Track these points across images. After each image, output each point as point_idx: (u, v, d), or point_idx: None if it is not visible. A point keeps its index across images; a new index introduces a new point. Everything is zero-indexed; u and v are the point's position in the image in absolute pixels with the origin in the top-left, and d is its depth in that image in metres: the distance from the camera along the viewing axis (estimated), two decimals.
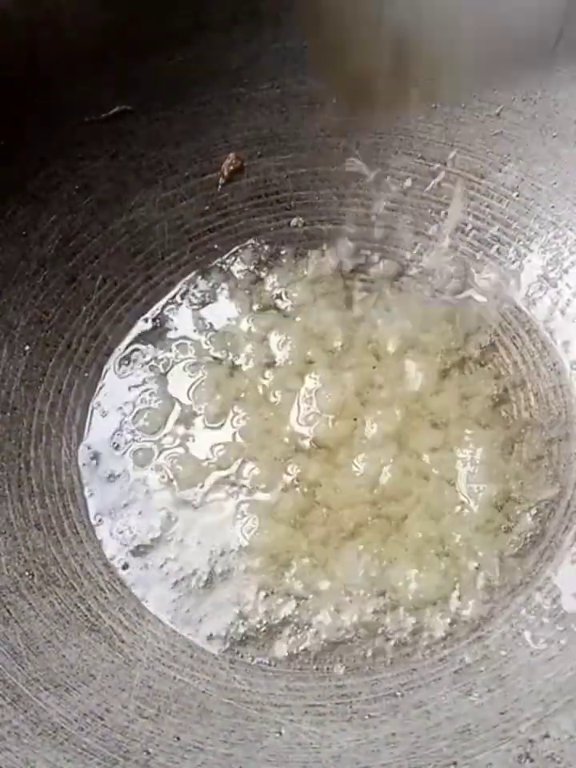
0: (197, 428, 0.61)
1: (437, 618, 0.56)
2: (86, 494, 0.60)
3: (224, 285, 0.66)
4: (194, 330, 0.65)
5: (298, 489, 0.59)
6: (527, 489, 0.59)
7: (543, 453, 0.60)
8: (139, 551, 0.58)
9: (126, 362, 0.64)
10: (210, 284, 0.66)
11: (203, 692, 0.54)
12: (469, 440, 0.60)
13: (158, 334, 0.65)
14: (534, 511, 0.59)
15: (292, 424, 0.61)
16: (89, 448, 0.61)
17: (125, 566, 0.58)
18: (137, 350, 0.64)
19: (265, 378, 0.63)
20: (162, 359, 0.64)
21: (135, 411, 0.62)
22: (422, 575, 0.56)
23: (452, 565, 0.57)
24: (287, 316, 0.65)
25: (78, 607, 0.56)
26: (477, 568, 0.57)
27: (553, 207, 0.64)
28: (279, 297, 0.66)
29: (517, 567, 0.57)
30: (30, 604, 0.55)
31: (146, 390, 0.63)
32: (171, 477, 0.60)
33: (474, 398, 0.62)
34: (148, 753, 0.49)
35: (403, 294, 0.66)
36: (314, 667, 0.55)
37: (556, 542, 0.58)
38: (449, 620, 0.56)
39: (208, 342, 0.64)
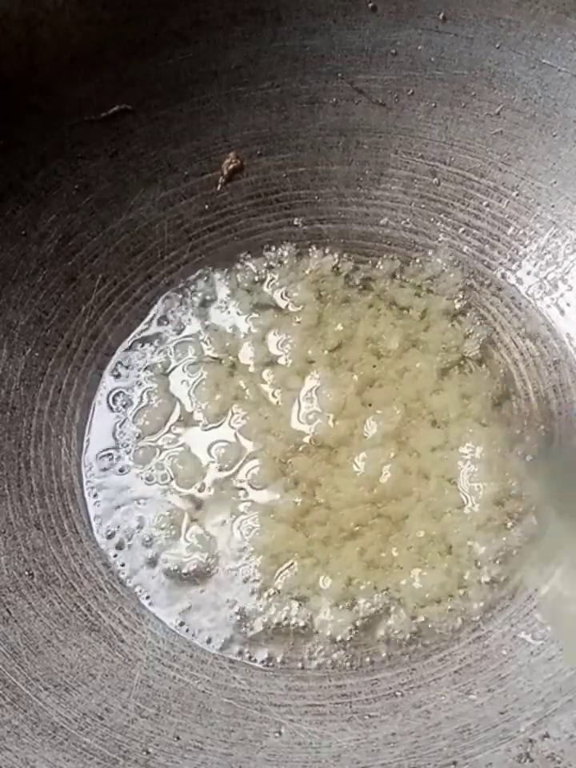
0: (197, 428, 0.61)
1: (438, 617, 0.56)
2: (86, 493, 0.60)
3: (224, 284, 0.66)
4: (194, 330, 0.65)
5: (298, 488, 0.59)
6: (528, 487, 0.59)
7: (544, 451, 0.60)
8: (139, 551, 0.58)
9: (126, 361, 0.64)
10: (210, 283, 0.66)
11: (203, 692, 0.54)
12: (469, 438, 0.60)
13: (157, 333, 0.65)
14: (534, 510, 0.58)
15: (292, 423, 0.61)
16: (89, 448, 0.61)
17: (124, 566, 0.58)
18: (136, 349, 0.64)
19: (265, 378, 0.63)
20: (162, 359, 0.64)
21: (135, 411, 0.62)
22: (425, 573, 0.56)
23: (455, 563, 0.57)
24: (287, 315, 0.65)
25: (78, 607, 0.56)
26: (478, 566, 0.57)
27: (553, 206, 0.64)
28: (279, 296, 0.65)
29: (518, 566, 0.57)
30: (30, 604, 0.55)
31: (145, 390, 0.63)
32: (171, 476, 0.60)
33: (474, 397, 0.62)
34: (148, 753, 0.49)
35: (403, 291, 0.65)
36: (314, 667, 0.55)
37: (557, 541, 0.58)
38: (450, 619, 0.56)
39: (208, 342, 0.64)
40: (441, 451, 0.60)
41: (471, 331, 0.64)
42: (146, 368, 0.63)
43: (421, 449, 0.60)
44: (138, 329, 0.65)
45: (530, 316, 0.64)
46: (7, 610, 0.54)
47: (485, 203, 0.66)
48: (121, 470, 0.60)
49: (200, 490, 0.59)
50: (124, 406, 0.62)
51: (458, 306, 0.65)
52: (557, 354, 0.63)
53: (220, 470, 0.60)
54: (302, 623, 0.55)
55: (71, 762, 0.48)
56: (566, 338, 0.63)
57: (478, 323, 0.64)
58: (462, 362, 0.63)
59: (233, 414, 0.61)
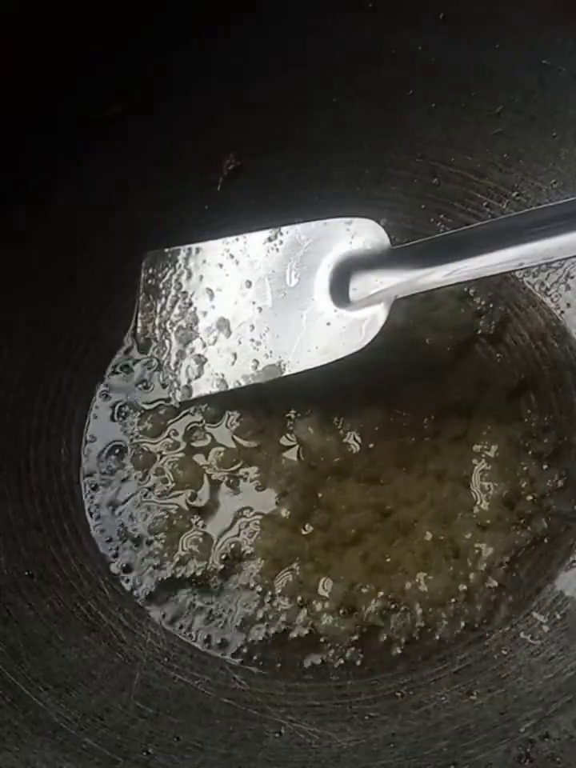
0: (197, 430, 0.61)
1: (441, 620, 0.55)
2: (86, 494, 0.60)
3: None
4: None
5: (298, 492, 0.59)
6: (537, 488, 0.59)
7: (557, 452, 0.60)
8: (139, 553, 0.58)
9: (126, 362, 0.64)
10: None
11: (203, 692, 0.54)
12: (486, 435, 0.60)
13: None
14: (542, 511, 0.58)
15: (293, 424, 0.61)
16: (88, 449, 0.61)
17: (124, 568, 0.58)
18: (136, 350, 0.64)
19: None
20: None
21: (136, 412, 0.62)
22: (431, 577, 0.56)
23: (461, 567, 0.57)
24: None
25: (78, 607, 0.56)
26: (485, 569, 0.57)
27: None
28: None
29: (521, 567, 0.57)
30: (30, 604, 0.55)
31: (145, 391, 0.62)
32: (171, 479, 0.60)
33: (491, 386, 0.61)
34: (148, 753, 0.49)
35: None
36: (314, 668, 0.55)
37: (558, 542, 0.58)
38: (453, 622, 0.55)
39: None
40: (460, 445, 0.60)
41: (482, 311, 0.64)
42: (145, 369, 0.63)
43: (440, 442, 0.60)
44: (139, 329, 0.65)
45: (531, 316, 0.64)
46: (7, 610, 0.54)
47: (485, 203, 0.66)
48: (120, 472, 0.60)
49: (200, 494, 0.59)
50: (124, 408, 0.62)
51: (462, 294, 0.65)
52: (557, 353, 0.63)
53: (220, 473, 0.60)
54: (302, 627, 0.55)
55: (71, 762, 0.48)
56: (566, 337, 0.63)
57: (486, 307, 0.64)
58: (475, 341, 0.63)
59: (233, 415, 0.61)
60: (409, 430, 0.60)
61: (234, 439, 0.61)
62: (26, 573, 0.56)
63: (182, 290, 0.63)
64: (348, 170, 0.66)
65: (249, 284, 0.61)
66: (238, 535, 0.58)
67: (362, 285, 0.58)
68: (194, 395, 0.61)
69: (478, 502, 0.58)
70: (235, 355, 0.61)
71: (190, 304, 0.62)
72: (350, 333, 0.57)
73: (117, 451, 0.61)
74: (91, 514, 0.59)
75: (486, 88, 0.63)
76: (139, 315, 0.64)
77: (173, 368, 0.62)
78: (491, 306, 0.64)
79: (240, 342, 0.61)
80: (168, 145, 0.65)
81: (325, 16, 0.62)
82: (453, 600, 0.56)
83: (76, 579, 0.57)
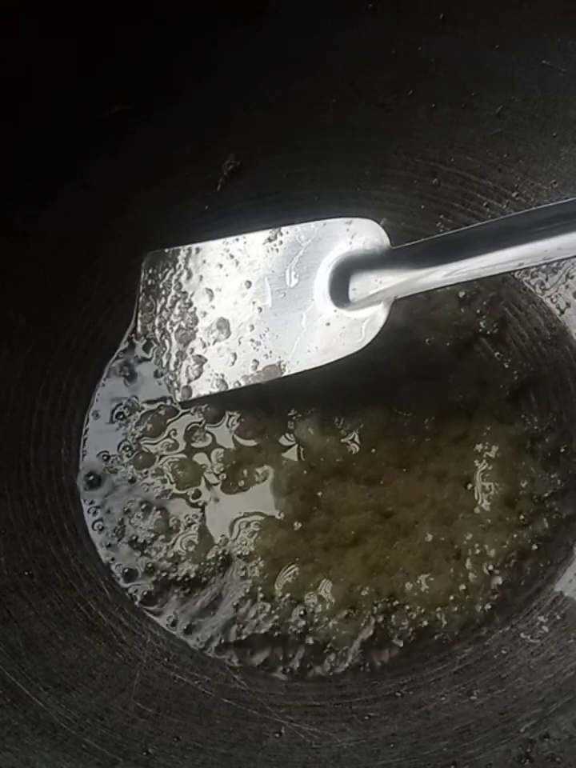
0: (197, 431, 0.61)
1: (441, 619, 0.55)
2: (86, 494, 0.60)
3: None
4: None
5: (298, 492, 0.59)
6: (537, 488, 0.59)
7: (557, 452, 0.60)
8: (139, 553, 0.58)
9: (126, 362, 0.64)
10: None
11: (203, 692, 0.54)
12: (486, 435, 0.60)
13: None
14: (542, 511, 0.58)
15: (293, 424, 0.61)
16: (88, 449, 0.61)
17: (124, 568, 0.58)
18: (136, 350, 0.64)
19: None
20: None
21: (135, 413, 0.62)
22: (433, 579, 0.56)
23: (461, 567, 0.57)
24: None
25: (78, 607, 0.56)
26: (486, 571, 0.57)
27: None
28: None
29: (521, 567, 0.57)
30: (30, 604, 0.55)
31: (145, 391, 0.62)
32: (171, 479, 0.60)
33: (491, 386, 0.61)
34: (148, 753, 0.49)
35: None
36: (314, 668, 0.55)
37: (558, 542, 0.58)
38: (453, 623, 0.55)
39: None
40: (461, 446, 0.60)
41: (482, 311, 0.64)
42: (145, 369, 0.63)
43: (441, 443, 0.60)
44: (139, 329, 0.65)
45: (531, 316, 0.64)
46: (8, 610, 0.54)
47: (485, 203, 0.66)
48: (120, 472, 0.60)
49: (199, 494, 0.59)
50: (124, 408, 0.62)
51: (462, 294, 0.65)
52: (557, 353, 0.63)
53: (219, 472, 0.60)
54: (302, 627, 0.55)
55: (71, 762, 0.48)
56: (566, 337, 0.64)
57: (485, 307, 0.64)
58: (476, 340, 0.63)
59: (232, 415, 0.61)
60: (409, 431, 0.60)
61: (234, 439, 0.61)
62: (26, 573, 0.56)
63: (182, 290, 0.63)
64: (348, 170, 0.67)
65: (249, 284, 0.61)
66: (238, 536, 0.58)
67: (362, 285, 0.58)
68: (194, 395, 0.61)
69: (479, 503, 0.58)
70: (235, 355, 0.61)
71: (190, 304, 0.63)
72: (350, 333, 0.57)
73: (117, 451, 0.61)
74: (91, 514, 0.59)
75: (486, 88, 0.63)
76: (139, 315, 0.64)
77: (173, 368, 0.62)
78: (491, 305, 0.64)
79: (240, 342, 0.61)
80: (168, 145, 0.65)
81: (325, 16, 0.63)
82: (453, 600, 0.56)
83: (76, 579, 0.57)
